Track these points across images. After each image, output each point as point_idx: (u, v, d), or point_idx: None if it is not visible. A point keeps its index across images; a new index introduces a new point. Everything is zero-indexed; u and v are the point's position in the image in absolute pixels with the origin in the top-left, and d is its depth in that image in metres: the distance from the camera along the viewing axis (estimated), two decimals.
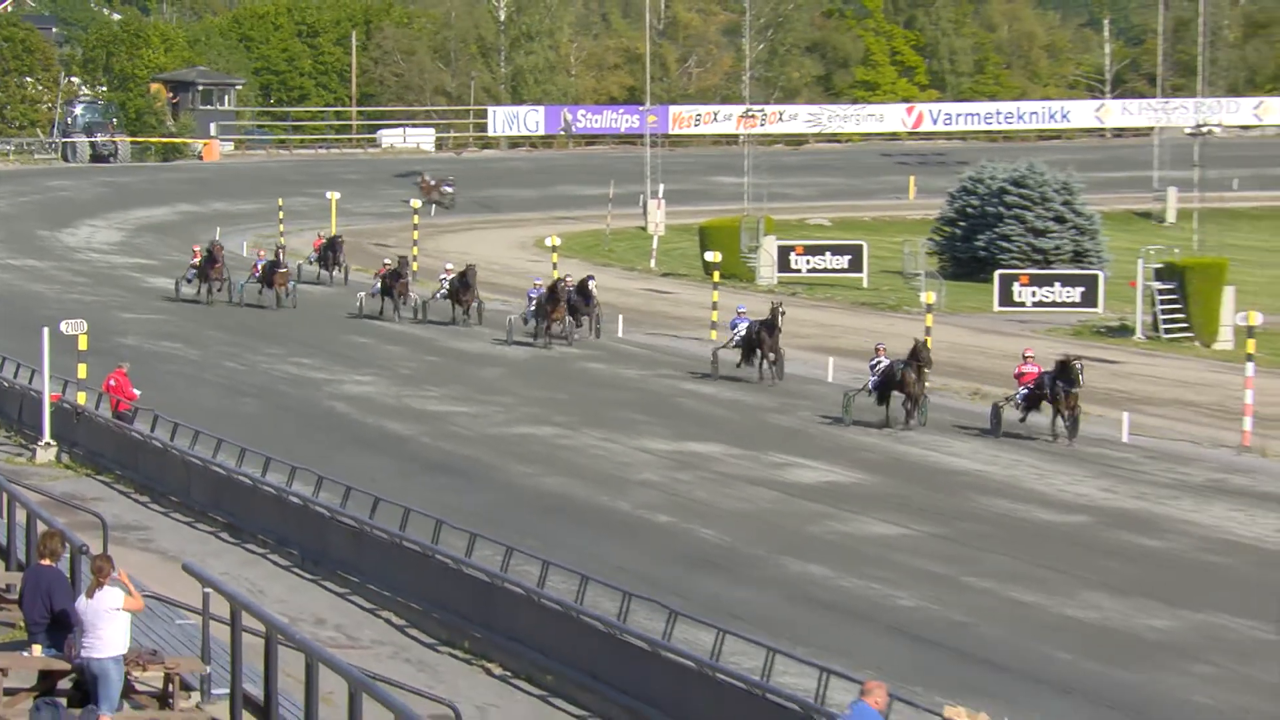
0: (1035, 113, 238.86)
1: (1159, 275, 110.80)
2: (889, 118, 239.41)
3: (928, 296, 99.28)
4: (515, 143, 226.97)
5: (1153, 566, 58.46)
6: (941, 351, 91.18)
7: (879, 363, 67.87)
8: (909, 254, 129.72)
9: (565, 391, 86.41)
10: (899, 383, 66.21)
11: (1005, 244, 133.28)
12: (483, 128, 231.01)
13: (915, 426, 67.34)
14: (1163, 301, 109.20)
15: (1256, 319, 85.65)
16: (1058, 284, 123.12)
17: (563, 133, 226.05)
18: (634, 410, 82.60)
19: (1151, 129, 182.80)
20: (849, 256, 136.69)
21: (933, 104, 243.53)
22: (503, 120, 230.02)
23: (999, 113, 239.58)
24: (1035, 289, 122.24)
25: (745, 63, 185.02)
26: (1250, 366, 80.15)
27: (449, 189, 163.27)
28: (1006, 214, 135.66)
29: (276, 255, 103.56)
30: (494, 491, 66.33)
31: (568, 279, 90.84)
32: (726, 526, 62.69)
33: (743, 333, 78.66)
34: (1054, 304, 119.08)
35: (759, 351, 79.66)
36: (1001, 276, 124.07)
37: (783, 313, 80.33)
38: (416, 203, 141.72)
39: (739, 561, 57.65)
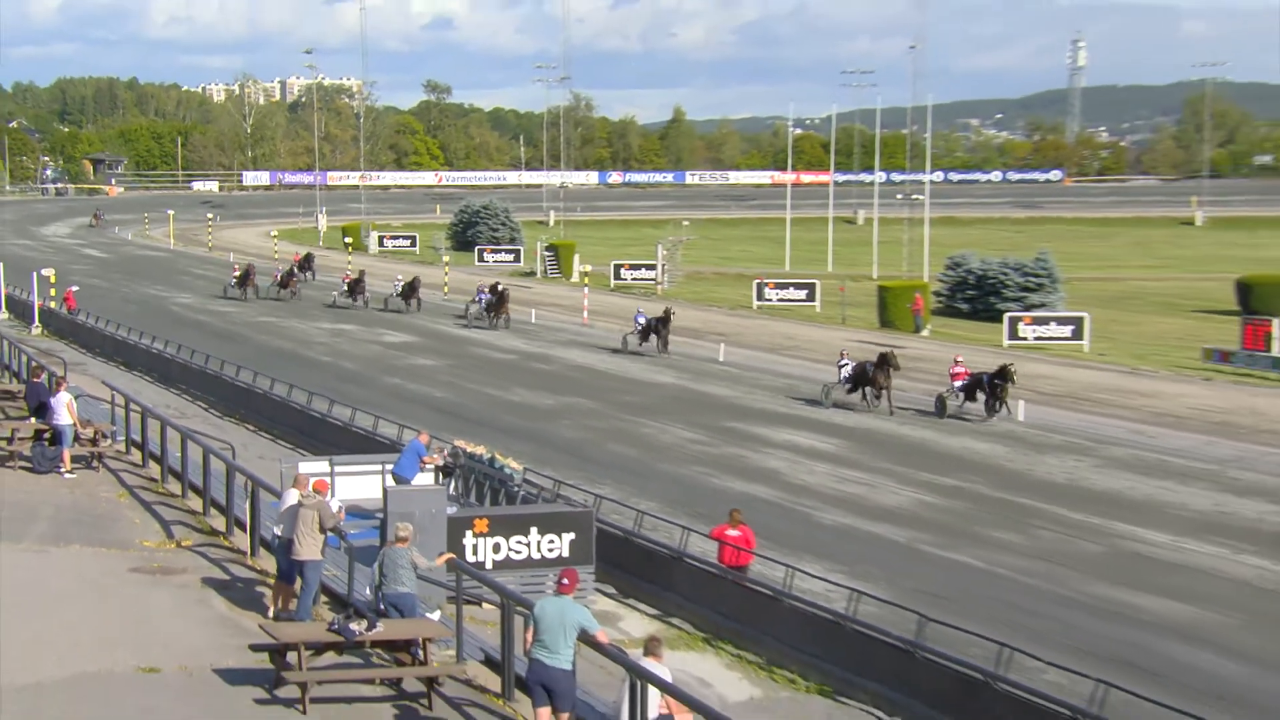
0: (491, 177, 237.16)
1: (548, 248, 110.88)
2: (427, 179, 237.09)
3: (446, 258, 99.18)
4: (256, 188, 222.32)
5: (546, 378, 58.13)
6: (453, 282, 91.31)
7: (846, 363, 51.94)
8: (438, 238, 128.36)
9: (286, 305, 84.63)
10: (870, 380, 50.37)
11: (480, 235, 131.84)
12: (241, 180, 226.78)
13: (881, 412, 50.51)
14: (549, 259, 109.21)
15: (588, 267, 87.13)
16: (503, 252, 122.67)
17: (278, 184, 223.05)
18: (315, 310, 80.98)
19: (541, 185, 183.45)
20: (411, 239, 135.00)
21: (448, 172, 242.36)
22: (250, 178, 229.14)
23: (477, 177, 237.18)
24: (494, 255, 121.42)
25: (361, 153, 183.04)
26: (585, 289, 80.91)
27: (103, 218, 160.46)
28: (481, 222, 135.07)
29: (290, 269, 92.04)
30: (250, 347, 64.37)
31: (507, 287, 78.53)
32: (357, 362, 61.84)
33: (643, 323, 67.33)
34: (503, 262, 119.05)
35: (655, 335, 66.62)
36: (479, 249, 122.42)
37: (673, 314, 67.49)
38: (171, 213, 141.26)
39: (362, 379, 56.61)
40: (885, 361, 49.86)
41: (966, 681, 23.20)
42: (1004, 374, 48.12)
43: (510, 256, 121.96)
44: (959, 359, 51.65)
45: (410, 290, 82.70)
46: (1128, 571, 31.29)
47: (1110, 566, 31.71)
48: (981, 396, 49.31)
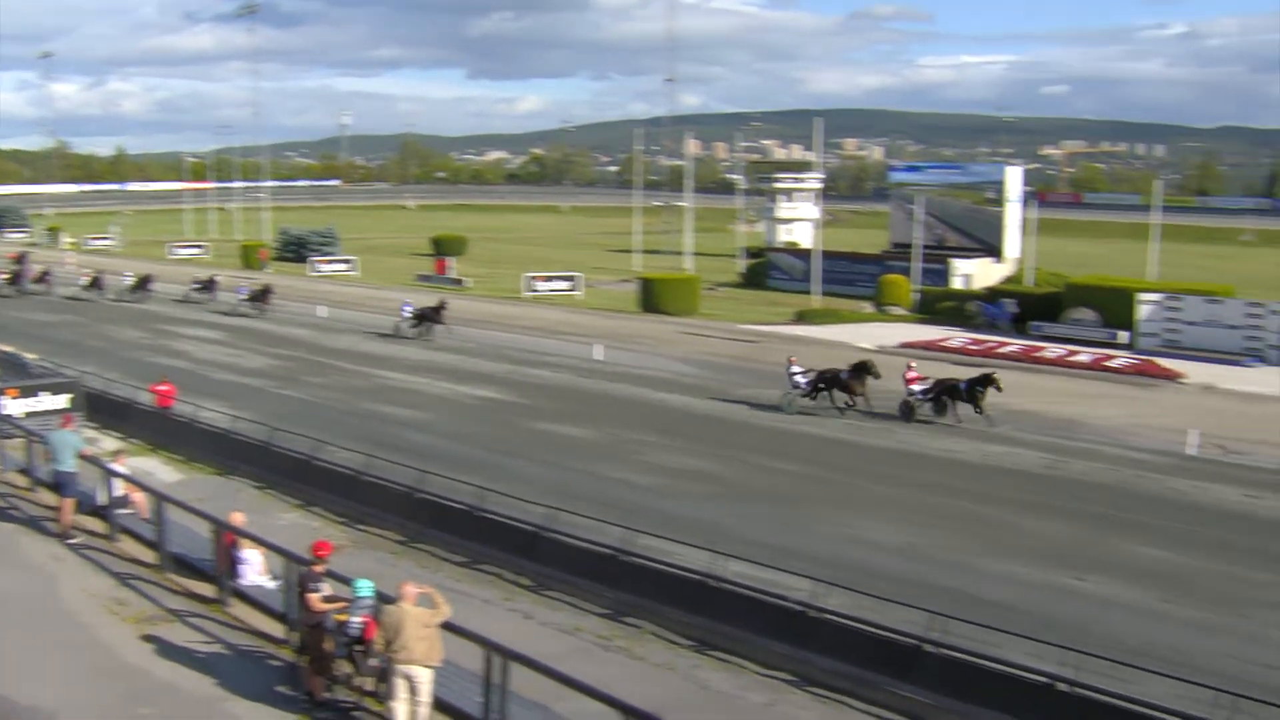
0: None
1: (47, 229, 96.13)
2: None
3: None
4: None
5: (56, 307, 51.47)
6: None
7: (797, 370, 28.47)
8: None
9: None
10: (844, 385, 27.83)
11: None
12: None
13: (854, 414, 27.56)
14: (51, 236, 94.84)
15: (72, 239, 75.38)
16: (19, 232, 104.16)
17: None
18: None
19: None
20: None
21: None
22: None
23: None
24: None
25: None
26: (73, 253, 70.85)
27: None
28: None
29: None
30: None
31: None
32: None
33: (410, 313, 42.37)
34: (17, 237, 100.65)
35: (428, 322, 41.61)
36: (314, 263, 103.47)
37: (445, 306, 42.27)
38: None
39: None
40: (864, 369, 28.09)
41: (298, 461, 23.35)
42: (986, 380, 27.14)
43: (22, 235, 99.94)
44: (912, 365, 29.23)
45: (209, 285, 53.34)
46: (382, 395, 31.97)
47: (373, 393, 32.27)
48: (943, 401, 27.90)
